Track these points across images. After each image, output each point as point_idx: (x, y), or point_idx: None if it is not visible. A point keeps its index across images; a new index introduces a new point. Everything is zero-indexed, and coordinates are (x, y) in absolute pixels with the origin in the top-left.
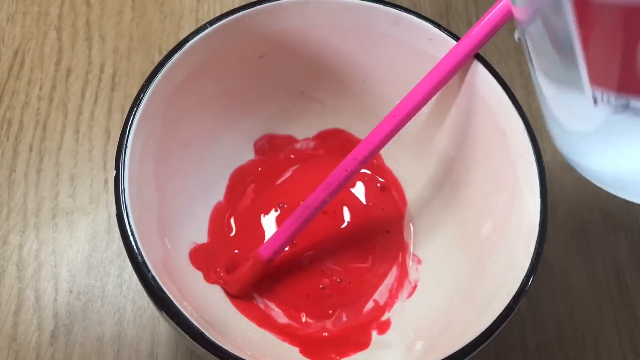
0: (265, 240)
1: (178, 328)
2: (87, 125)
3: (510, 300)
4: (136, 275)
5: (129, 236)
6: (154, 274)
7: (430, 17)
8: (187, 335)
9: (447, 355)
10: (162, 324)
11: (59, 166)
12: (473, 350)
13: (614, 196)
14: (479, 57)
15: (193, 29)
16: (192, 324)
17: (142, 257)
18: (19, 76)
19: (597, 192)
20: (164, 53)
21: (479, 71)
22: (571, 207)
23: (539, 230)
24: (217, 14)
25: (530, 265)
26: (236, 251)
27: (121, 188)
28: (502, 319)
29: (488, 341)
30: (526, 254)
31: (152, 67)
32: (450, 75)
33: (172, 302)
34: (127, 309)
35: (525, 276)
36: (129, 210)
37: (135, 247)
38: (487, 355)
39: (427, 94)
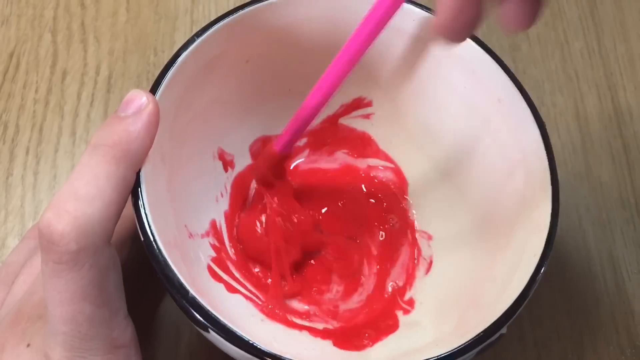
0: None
1: (229, 344)
2: (83, 128)
3: (536, 266)
4: (175, 298)
5: (161, 261)
6: (193, 294)
7: None
8: (238, 349)
9: (479, 331)
10: (161, 325)
11: (56, 169)
12: (503, 325)
13: (610, 191)
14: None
15: (188, 29)
16: (242, 337)
17: (178, 280)
18: (15, 79)
19: (593, 187)
20: (159, 54)
21: (467, 44)
22: (567, 204)
23: (552, 185)
24: (212, 15)
25: (550, 222)
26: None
27: (143, 213)
28: (529, 286)
29: (519, 310)
30: (544, 208)
31: (148, 69)
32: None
33: (218, 318)
34: None
35: (548, 236)
36: (156, 236)
37: (171, 271)
38: (486, 352)
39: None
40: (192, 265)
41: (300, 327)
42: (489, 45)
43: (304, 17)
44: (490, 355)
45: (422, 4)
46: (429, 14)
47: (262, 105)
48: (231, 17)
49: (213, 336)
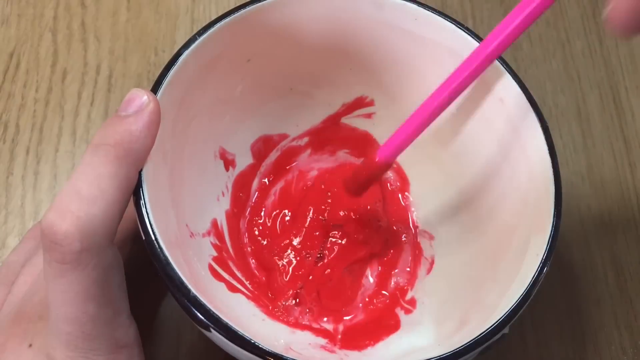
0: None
1: (231, 343)
2: (83, 127)
3: (539, 266)
4: (177, 298)
5: (162, 260)
6: (195, 293)
7: None
8: (240, 348)
9: (481, 331)
10: (162, 325)
11: (56, 168)
12: (505, 325)
13: (612, 191)
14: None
15: (189, 29)
16: (244, 336)
17: (179, 279)
18: (15, 79)
19: (595, 187)
20: (160, 54)
21: (469, 44)
22: (569, 204)
23: (555, 185)
24: (213, 14)
25: (553, 222)
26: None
27: (144, 212)
28: (531, 286)
29: (521, 311)
30: (547, 208)
31: (148, 68)
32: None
33: (220, 317)
34: None
35: (551, 236)
36: (157, 236)
37: (172, 270)
38: (488, 352)
39: (448, 96)
40: (194, 264)
41: (302, 327)
42: None
43: (305, 16)
44: (492, 356)
45: (424, 3)
46: (432, 13)
47: (263, 104)
48: (232, 17)
49: (214, 335)
